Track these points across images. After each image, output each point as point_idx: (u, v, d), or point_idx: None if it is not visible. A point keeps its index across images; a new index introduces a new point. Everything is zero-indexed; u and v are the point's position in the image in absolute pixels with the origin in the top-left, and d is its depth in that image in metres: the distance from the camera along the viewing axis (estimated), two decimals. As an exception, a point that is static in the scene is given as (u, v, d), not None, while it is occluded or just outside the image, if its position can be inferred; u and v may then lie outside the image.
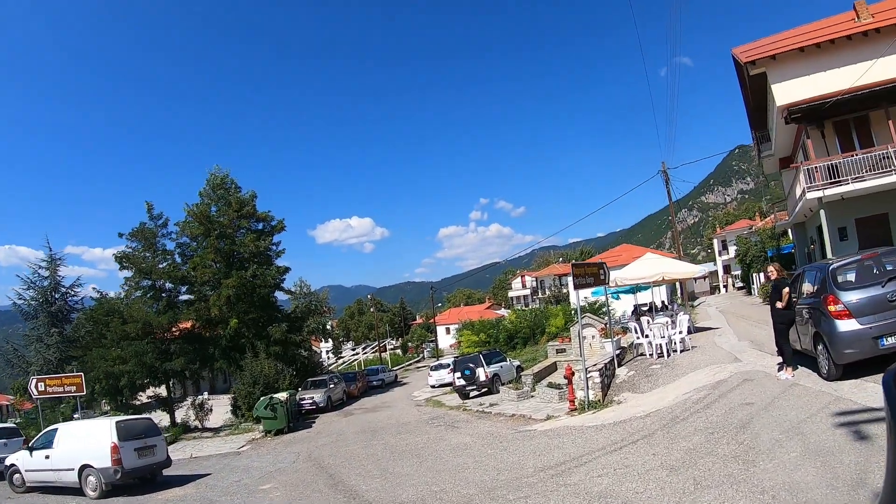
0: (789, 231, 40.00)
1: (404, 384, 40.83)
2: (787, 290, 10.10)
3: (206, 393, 43.19)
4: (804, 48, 21.19)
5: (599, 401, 12.81)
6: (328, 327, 67.67)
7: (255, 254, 32.02)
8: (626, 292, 30.82)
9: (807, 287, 10.29)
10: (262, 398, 22.66)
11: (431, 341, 71.18)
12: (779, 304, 10.05)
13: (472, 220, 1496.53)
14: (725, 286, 65.91)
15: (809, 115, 20.68)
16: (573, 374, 13.42)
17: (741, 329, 20.00)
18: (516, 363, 27.15)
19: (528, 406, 16.98)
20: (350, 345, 74.40)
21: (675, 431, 8.43)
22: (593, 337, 21.19)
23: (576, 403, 13.05)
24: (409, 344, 79.96)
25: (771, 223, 47.19)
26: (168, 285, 31.06)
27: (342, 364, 60.00)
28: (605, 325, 21.70)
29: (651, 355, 16.28)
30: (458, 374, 24.04)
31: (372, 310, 59.13)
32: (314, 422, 24.58)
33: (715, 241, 77.67)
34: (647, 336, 16.83)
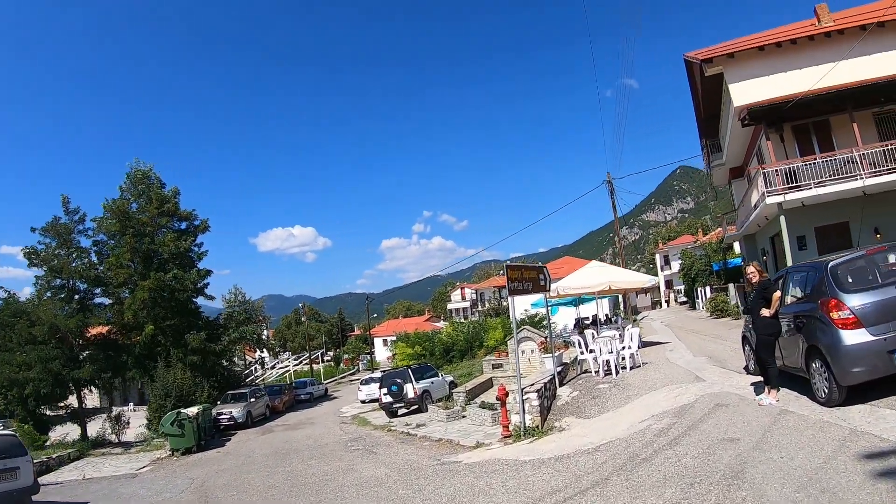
0: (736, 245, 39.30)
1: (334, 398, 38.61)
2: (777, 293, 8.03)
3: (131, 404, 39.96)
4: (764, 47, 20.18)
5: (538, 427, 10.65)
6: (264, 337, 64.73)
7: (176, 255, 29.71)
8: (567, 304, 29.01)
9: (793, 292, 8.40)
10: (168, 413, 20.58)
11: (368, 353, 68.75)
12: (765, 312, 7.98)
13: (414, 232, 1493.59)
14: (667, 301, 65.64)
15: (769, 115, 19.32)
16: (507, 394, 11.24)
17: (694, 343, 18.23)
18: (449, 378, 25.20)
19: (458, 429, 15.05)
20: (287, 355, 71.31)
21: (638, 478, 6.21)
22: (532, 352, 19.25)
23: (510, 429, 10.90)
24: (345, 356, 77.25)
25: (716, 237, 46.53)
26: (82, 286, 28.62)
27: (273, 376, 56.99)
28: (546, 338, 19.79)
29: (597, 373, 14.15)
30: (384, 391, 22.08)
31: (304, 319, 55.95)
32: (230, 439, 22.66)
33: (657, 256, 77.58)
34: (591, 351, 14.71)
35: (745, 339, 10.61)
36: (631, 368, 14.04)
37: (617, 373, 13.57)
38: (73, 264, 28.07)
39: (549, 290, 13.88)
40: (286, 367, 59.97)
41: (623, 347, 14.40)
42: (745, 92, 20.06)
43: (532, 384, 11.72)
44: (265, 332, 66.00)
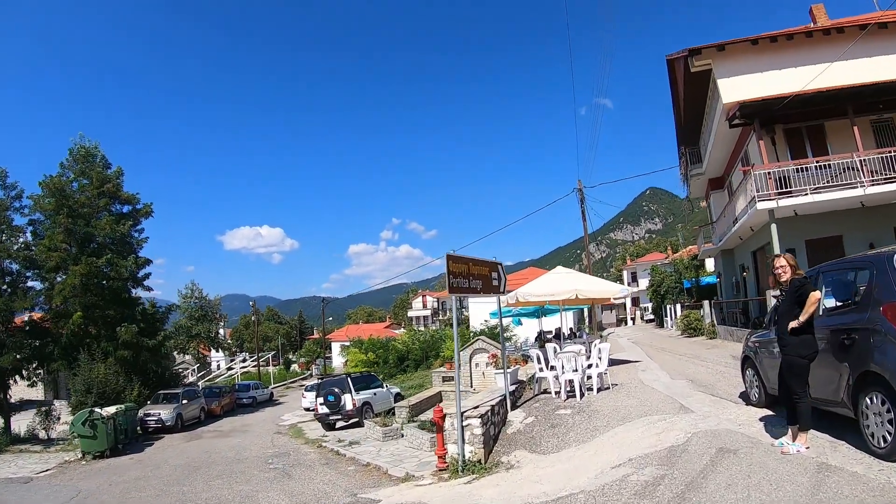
0: (709, 262, 37.67)
1: (280, 404, 36.62)
2: (816, 294, 5.65)
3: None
4: (757, 41, 18.52)
5: (480, 461, 8.32)
6: (221, 335, 63.07)
7: (113, 239, 27.93)
8: (529, 315, 26.79)
9: (827, 300, 6.20)
10: (80, 412, 18.83)
11: (327, 357, 66.24)
12: (793, 324, 5.67)
13: (382, 238, 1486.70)
14: (633, 318, 64.05)
15: (763, 113, 17.42)
16: (444, 417, 8.86)
17: (669, 364, 15.98)
18: (395, 390, 22.99)
19: (392, 451, 13.19)
20: (244, 355, 68.74)
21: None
22: (487, 365, 16.94)
23: (447, 461, 8.58)
24: (301, 359, 74.43)
25: (688, 254, 44.96)
26: (13, 267, 26.78)
27: (223, 376, 54.06)
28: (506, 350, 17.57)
29: (558, 394, 11.71)
30: (320, 400, 19.95)
31: (254, 318, 52.93)
32: (152, 444, 21.06)
33: (624, 272, 76.08)
34: (552, 368, 12.27)
35: (746, 361, 8.38)
36: (598, 391, 11.67)
37: (582, 395, 11.16)
38: (5, 242, 26.21)
39: (505, 293, 11.44)
40: (231, 367, 57.38)
41: (589, 365, 12.10)
42: (736, 88, 18.30)
43: (476, 406, 9.33)
44: (221, 330, 63.49)
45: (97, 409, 18.79)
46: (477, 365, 19.24)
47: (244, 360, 59.42)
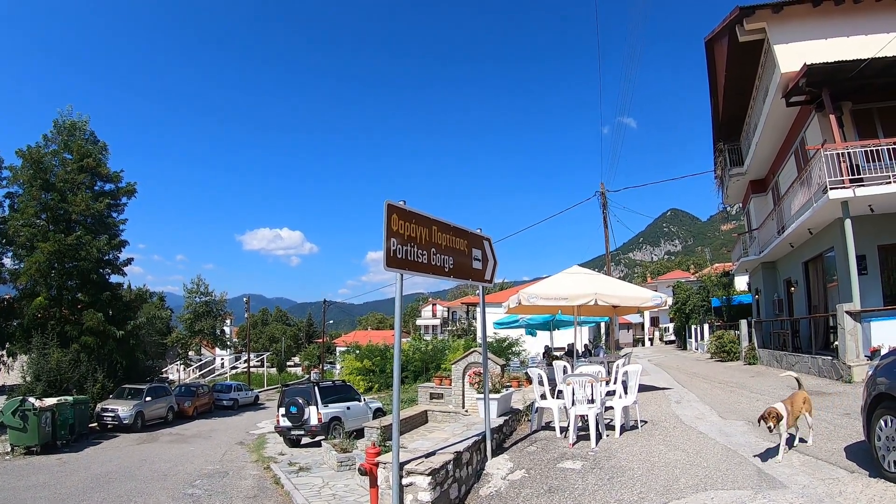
0: (739, 281, 34.33)
1: (264, 408, 34.30)
2: None
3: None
4: (820, 1, 15.04)
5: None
6: (227, 332, 60.92)
7: (90, 217, 26.03)
8: (541, 326, 23.36)
9: None
10: (11, 400, 17.67)
11: (329, 363, 63.61)
12: None
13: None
14: (651, 339, 60.43)
15: (832, 81, 14.09)
16: (377, 466, 5.58)
17: (709, 394, 12.35)
18: (375, 405, 20.08)
19: (338, 490, 10.34)
20: (248, 355, 67.08)
21: None
22: (470, 386, 13.80)
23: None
24: (305, 362, 72.02)
25: (716, 271, 41.61)
26: None
27: (211, 376, 51.65)
28: (505, 366, 14.25)
29: (564, 433, 8.24)
30: (282, 411, 17.25)
31: (247, 315, 50.30)
32: (100, 443, 19.12)
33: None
34: (559, 395, 8.84)
35: (879, 403, 5.01)
36: (622, 431, 8.22)
37: (599, 438, 7.68)
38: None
39: (491, 281, 7.88)
40: (235, 367, 56.35)
41: (609, 393, 8.69)
42: (796, 56, 14.81)
43: (430, 453, 5.97)
44: (227, 328, 61.31)
45: (31, 399, 17.26)
46: (472, 384, 15.98)
47: (230, 363, 57.76)
